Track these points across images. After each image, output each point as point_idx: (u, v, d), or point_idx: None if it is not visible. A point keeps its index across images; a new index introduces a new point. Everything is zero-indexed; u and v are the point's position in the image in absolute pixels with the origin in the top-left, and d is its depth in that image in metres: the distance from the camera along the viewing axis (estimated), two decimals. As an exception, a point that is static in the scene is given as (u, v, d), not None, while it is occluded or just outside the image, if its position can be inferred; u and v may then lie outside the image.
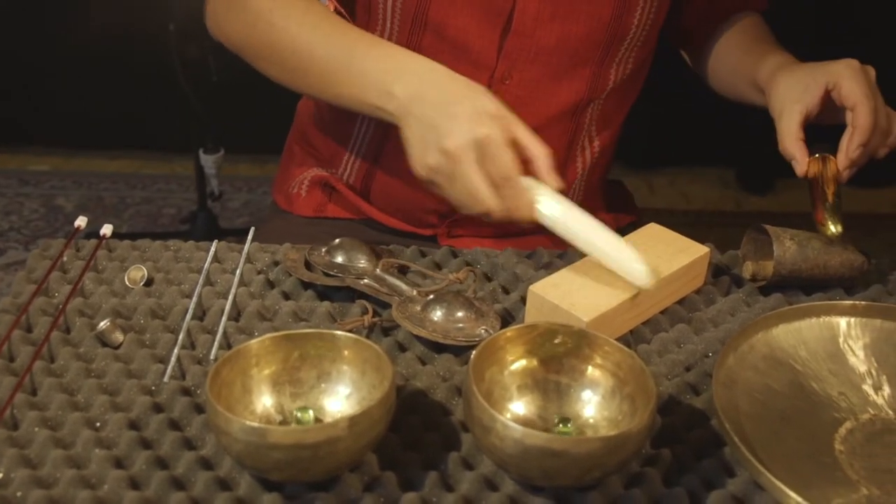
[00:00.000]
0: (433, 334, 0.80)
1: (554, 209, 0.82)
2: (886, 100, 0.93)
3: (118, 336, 0.81)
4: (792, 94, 0.95)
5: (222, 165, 2.10)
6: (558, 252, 0.97)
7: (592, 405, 0.73)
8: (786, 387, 0.78)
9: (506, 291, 0.91)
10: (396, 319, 0.82)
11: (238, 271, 0.90)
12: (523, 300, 0.87)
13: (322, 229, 1.09)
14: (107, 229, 0.95)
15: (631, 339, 0.85)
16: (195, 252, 0.95)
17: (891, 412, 0.76)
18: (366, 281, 0.88)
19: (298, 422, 0.71)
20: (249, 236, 0.96)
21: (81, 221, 0.96)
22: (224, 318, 0.83)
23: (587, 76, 1.02)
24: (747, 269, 0.93)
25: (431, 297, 0.84)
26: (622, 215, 1.20)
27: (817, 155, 0.93)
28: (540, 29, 0.97)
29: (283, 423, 0.72)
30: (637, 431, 0.64)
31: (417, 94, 0.84)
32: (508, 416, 0.72)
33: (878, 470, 0.71)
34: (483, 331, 0.81)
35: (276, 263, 0.93)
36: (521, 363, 0.74)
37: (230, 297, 0.86)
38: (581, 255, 0.94)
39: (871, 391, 0.78)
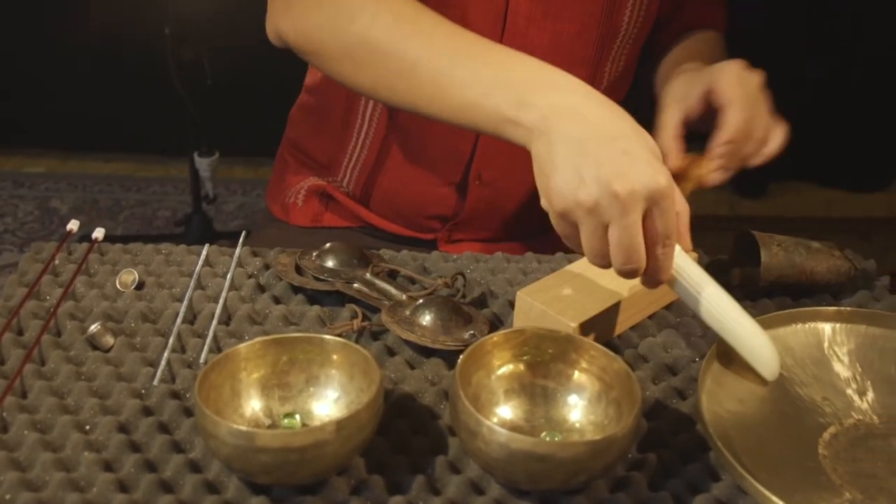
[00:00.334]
0: (422, 339, 0.81)
1: (692, 278, 0.76)
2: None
3: (109, 339, 0.82)
4: (676, 93, 0.93)
5: (217, 168, 2.11)
6: (547, 257, 0.97)
7: (579, 409, 0.74)
8: (771, 392, 0.78)
9: (495, 296, 0.91)
10: (385, 324, 0.83)
11: (229, 275, 0.91)
12: (512, 305, 0.87)
13: (318, 238, 1.09)
14: (98, 233, 0.95)
15: (619, 343, 0.85)
16: (186, 256, 0.95)
17: (875, 417, 0.77)
18: (356, 285, 0.88)
19: (286, 428, 0.71)
20: (240, 241, 0.96)
21: (73, 225, 0.96)
22: (214, 322, 0.84)
23: (583, 76, 1.02)
24: (735, 275, 0.93)
25: (421, 301, 0.84)
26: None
27: (689, 154, 0.90)
28: (533, 28, 0.98)
29: (272, 426, 0.72)
30: (622, 435, 0.65)
31: (566, 111, 0.73)
32: (495, 420, 0.73)
33: (861, 475, 0.71)
34: (471, 335, 0.82)
35: (268, 267, 0.93)
36: (508, 368, 0.75)
37: (221, 301, 0.87)
38: (570, 259, 0.95)
39: (855, 396, 0.79)
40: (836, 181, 2.73)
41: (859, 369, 0.81)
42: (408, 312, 0.84)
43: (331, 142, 1.12)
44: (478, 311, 0.86)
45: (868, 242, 2.52)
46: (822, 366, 0.81)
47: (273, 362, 0.73)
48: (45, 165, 2.73)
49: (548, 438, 0.72)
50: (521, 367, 0.75)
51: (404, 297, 0.86)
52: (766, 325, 0.82)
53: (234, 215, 2.55)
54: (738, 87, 0.88)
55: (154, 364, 0.80)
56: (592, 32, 1.00)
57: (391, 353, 0.83)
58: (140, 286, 0.90)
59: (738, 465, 0.67)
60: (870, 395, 0.79)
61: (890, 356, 0.82)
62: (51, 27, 2.52)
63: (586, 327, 0.81)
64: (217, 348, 0.82)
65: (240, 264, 0.94)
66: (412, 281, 0.92)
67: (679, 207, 0.74)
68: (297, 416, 0.72)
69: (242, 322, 0.85)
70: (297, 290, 0.90)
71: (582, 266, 0.87)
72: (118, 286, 0.89)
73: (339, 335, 0.76)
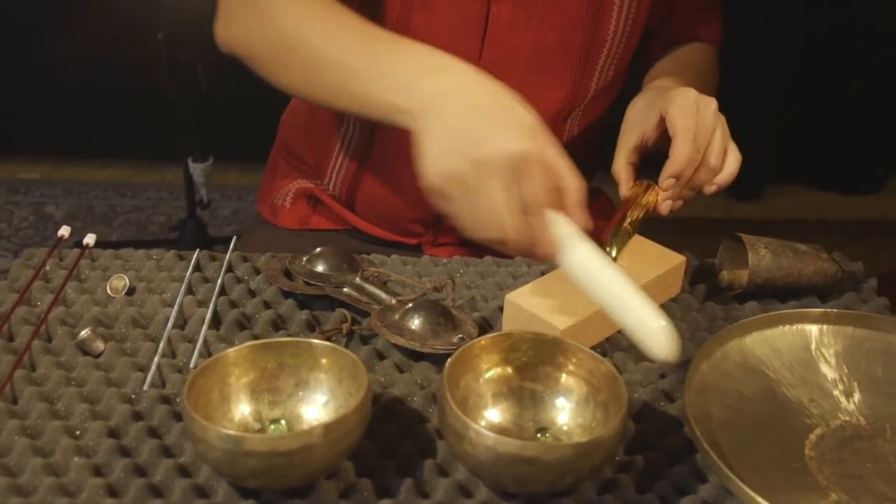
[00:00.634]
0: (411, 342, 0.81)
1: (581, 252, 0.72)
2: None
3: (99, 345, 0.82)
4: (635, 118, 0.94)
5: (211, 174, 2.11)
6: (537, 261, 0.98)
7: (566, 412, 0.74)
8: (758, 394, 0.79)
9: (484, 300, 0.92)
10: (375, 328, 0.83)
11: (219, 280, 0.91)
12: (501, 308, 0.88)
13: (306, 241, 1.10)
14: (90, 239, 0.96)
15: (607, 346, 0.86)
16: (177, 261, 0.96)
17: (861, 418, 0.77)
18: (346, 290, 0.88)
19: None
20: (231, 246, 0.97)
21: (65, 231, 0.96)
22: (204, 327, 0.84)
23: (567, 83, 1.03)
24: (723, 277, 0.94)
25: (410, 305, 0.85)
26: (603, 223, 1.21)
27: (643, 181, 0.91)
28: (515, 35, 0.98)
29: (262, 431, 0.73)
30: (608, 438, 0.65)
31: (445, 93, 0.74)
32: (483, 423, 0.73)
33: (847, 476, 0.72)
34: (460, 339, 0.82)
35: (258, 272, 0.94)
36: (496, 371, 0.75)
37: (211, 306, 0.87)
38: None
39: (842, 398, 0.79)
40: (830, 184, 2.74)
41: (846, 371, 0.82)
42: (397, 316, 0.84)
43: (318, 145, 1.13)
44: (467, 314, 0.86)
45: (861, 245, 2.52)
46: (809, 367, 0.82)
47: (262, 367, 0.74)
48: (40, 171, 2.73)
49: (539, 436, 0.72)
50: (509, 370, 0.75)
51: (394, 301, 0.87)
52: (753, 327, 0.83)
53: (229, 220, 2.56)
54: (686, 116, 0.86)
55: (144, 369, 0.80)
56: (575, 40, 1.00)
57: (380, 356, 0.83)
58: (131, 292, 0.90)
59: (724, 466, 0.68)
60: (856, 396, 0.79)
61: (877, 358, 0.83)
62: (44, 33, 2.52)
63: (574, 330, 0.81)
64: (207, 353, 0.82)
65: (230, 269, 0.94)
66: (402, 285, 0.92)
67: (569, 181, 0.73)
68: (283, 423, 0.73)
69: (232, 327, 0.85)
70: (287, 294, 0.90)
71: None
72: (109, 292, 0.90)
73: (329, 339, 0.76)
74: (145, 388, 0.78)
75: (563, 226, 0.72)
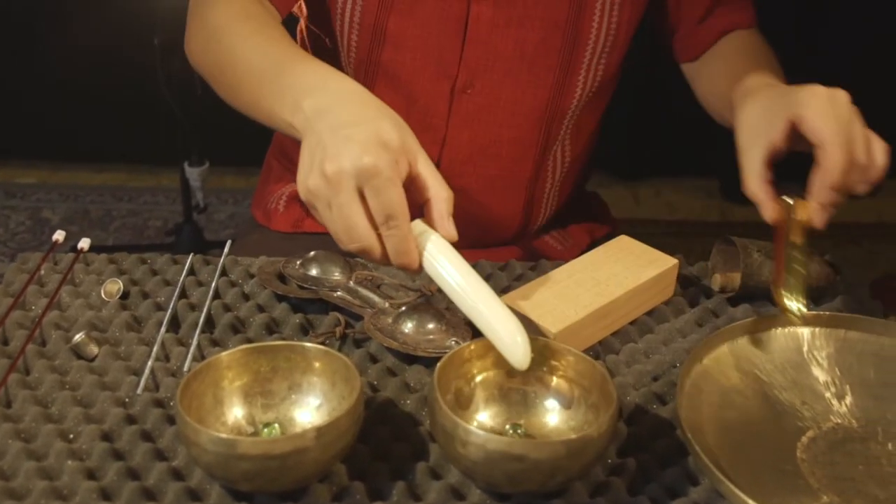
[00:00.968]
0: (403, 346, 0.81)
1: (443, 263, 0.74)
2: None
3: (93, 349, 0.82)
4: (756, 128, 0.86)
5: (208, 178, 2.11)
6: (530, 264, 0.98)
7: (558, 415, 0.74)
8: (750, 396, 0.79)
9: (478, 303, 0.92)
10: (368, 331, 0.83)
11: (213, 284, 0.91)
12: (495, 312, 0.88)
13: (299, 244, 1.10)
14: (84, 243, 0.96)
15: (600, 349, 0.86)
16: (171, 265, 0.96)
17: (853, 421, 0.78)
18: (339, 293, 0.89)
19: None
20: (225, 250, 0.97)
21: (59, 235, 0.97)
22: (198, 331, 0.85)
23: (550, 84, 1.03)
24: (716, 280, 0.94)
25: (403, 309, 0.85)
26: (596, 226, 1.22)
27: (786, 197, 0.83)
28: (496, 36, 0.99)
29: (255, 434, 0.73)
30: (598, 435, 0.65)
31: (322, 111, 0.76)
32: (475, 426, 0.73)
33: (839, 478, 0.72)
34: (453, 342, 0.82)
35: (252, 276, 0.94)
36: (487, 374, 0.75)
37: (204, 310, 0.87)
38: (553, 266, 0.95)
39: (833, 400, 0.80)
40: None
41: (838, 373, 0.82)
42: (390, 320, 0.84)
43: None
44: (460, 318, 0.86)
45: (859, 247, 2.53)
46: (802, 370, 0.82)
47: (255, 370, 0.74)
48: (36, 176, 2.74)
49: (512, 432, 0.73)
50: (501, 373, 0.75)
51: (387, 304, 0.87)
52: (746, 330, 0.83)
53: (226, 224, 2.56)
54: (830, 118, 0.81)
55: (138, 373, 0.80)
56: (556, 40, 1.00)
57: (374, 360, 0.83)
58: (125, 296, 0.91)
59: (716, 469, 0.68)
60: (848, 399, 0.80)
61: (869, 360, 0.83)
62: (41, 37, 2.52)
63: (568, 333, 0.81)
64: (201, 357, 0.83)
65: (224, 273, 0.94)
66: (395, 289, 0.92)
67: (435, 193, 0.75)
68: (277, 426, 0.73)
69: (226, 330, 0.86)
70: (280, 298, 0.90)
71: (564, 273, 0.88)
72: (103, 296, 0.90)
73: (322, 343, 0.76)
74: (139, 391, 0.78)
75: (426, 237, 0.74)
